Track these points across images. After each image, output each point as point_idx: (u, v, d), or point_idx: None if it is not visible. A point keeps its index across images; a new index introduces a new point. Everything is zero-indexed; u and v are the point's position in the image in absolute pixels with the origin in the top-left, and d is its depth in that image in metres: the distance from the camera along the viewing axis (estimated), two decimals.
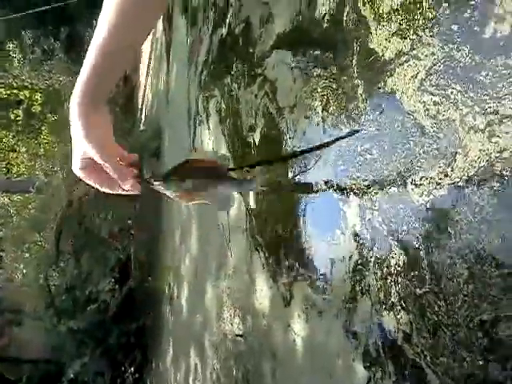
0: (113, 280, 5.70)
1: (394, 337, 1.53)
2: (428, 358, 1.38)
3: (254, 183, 0.89)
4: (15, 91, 12.42)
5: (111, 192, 0.90)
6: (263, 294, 2.71)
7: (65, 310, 6.16)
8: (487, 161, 1.31)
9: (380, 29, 1.82)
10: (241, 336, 3.01)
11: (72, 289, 6.14)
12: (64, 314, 6.10)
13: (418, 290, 1.44)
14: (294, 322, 2.32)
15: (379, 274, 1.63)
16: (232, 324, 3.19)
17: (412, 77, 1.61)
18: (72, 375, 5.71)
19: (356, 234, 1.79)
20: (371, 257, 1.68)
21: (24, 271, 7.10)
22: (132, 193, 0.87)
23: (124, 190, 0.87)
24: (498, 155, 1.28)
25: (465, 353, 1.27)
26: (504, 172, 1.27)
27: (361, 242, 1.75)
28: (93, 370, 5.87)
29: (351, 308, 1.80)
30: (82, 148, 0.84)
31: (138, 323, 5.82)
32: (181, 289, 4.96)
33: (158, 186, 0.81)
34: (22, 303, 7.38)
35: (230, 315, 3.23)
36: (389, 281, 1.57)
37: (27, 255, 7.49)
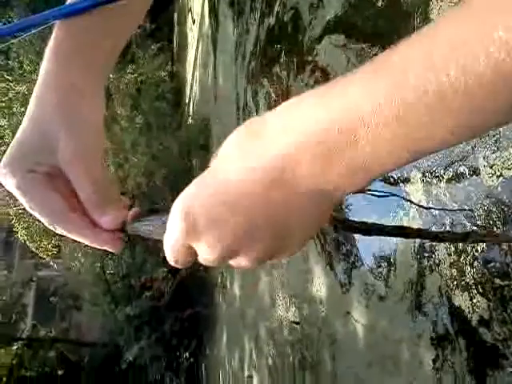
0: (166, 269, 5.86)
1: (468, 317, 1.50)
2: (510, 345, 1.34)
3: None
4: None
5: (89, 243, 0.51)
6: (320, 281, 2.71)
7: (121, 297, 6.41)
8: None
9: (441, 2, 1.76)
10: (297, 323, 3.03)
11: (127, 277, 6.37)
12: (120, 301, 6.35)
13: (498, 280, 1.40)
14: (353, 309, 2.31)
15: (452, 249, 1.59)
16: (288, 311, 3.21)
17: None
18: (131, 358, 5.95)
19: (421, 210, 1.76)
20: (442, 230, 1.64)
21: (82, 260, 7.40)
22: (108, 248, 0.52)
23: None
24: None
25: None
26: None
27: (428, 217, 1.71)
28: (149, 354, 6.09)
29: (418, 286, 1.77)
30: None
31: (192, 310, 5.97)
32: (233, 277, 5.03)
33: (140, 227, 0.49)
34: (80, 290, 7.73)
35: (286, 302, 3.25)
36: (462, 258, 1.54)
37: (84, 245, 7.77)
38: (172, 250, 0.43)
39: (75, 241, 0.50)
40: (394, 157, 0.33)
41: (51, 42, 0.52)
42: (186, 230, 0.40)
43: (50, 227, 0.49)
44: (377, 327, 2.12)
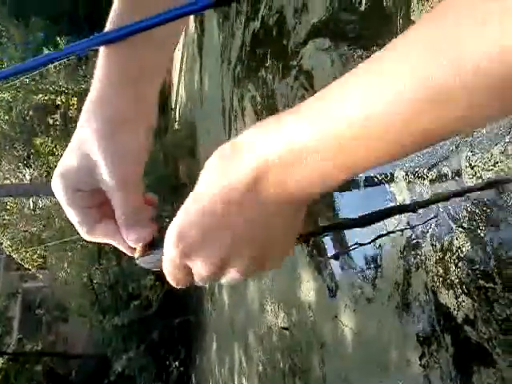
0: (153, 277, 5.79)
1: (453, 315, 1.49)
2: (499, 350, 1.32)
3: None
4: (52, 96, 12.77)
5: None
6: (308, 285, 2.69)
7: (108, 307, 6.31)
8: None
9: (422, 6, 1.76)
10: (286, 329, 2.99)
11: (115, 286, 6.28)
12: (108, 311, 6.26)
13: (482, 281, 1.38)
14: (341, 313, 2.29)
15: (438, 247, 1.57)
16: (277, 317, 3.18)
17: None
18: (119, 369, 5.86)
19: (406, 210, 1.74)
20: (428, 229, 1.63)
21: (68, 270, 7.30)
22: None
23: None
24: None
25: None
26: None
27: (413, 216, 1.70)
28: (138, 364, 6.00)
29: (404, 285, 1.76)
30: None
31: (181, 319, 5.90)
32: (221, 284, 4.99)
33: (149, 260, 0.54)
34: (67, 301, 7.61)
35: (274, 308, 3.22)
36: (448, 256, 1.52)
37: (70, 255, 7.70)
38: (172, 272, 0.48)
39: (102, 244, 0.58)
40: (343, 171, 0.38)
41: (99, 60, 0.55)
42: (181, 252, 0.45)
43: (85, 236, 0.56)
44: (365, 330, 2.10)
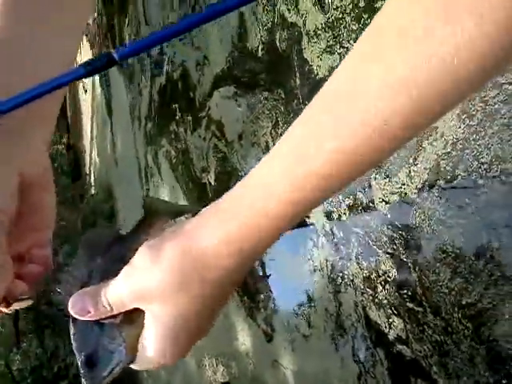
0: None
1: (385, 332, 1.51)
2: (436, 369, 1.34)
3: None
4: None
5: None
6: (243, 333, 2.62)
7: None
8: (435, 160, 1.34)
9: (312, 46, 1.88)
10: (227, 383, 2.87)
11: (38, 369, 5.72)
12: None
13: (412, 305, 1.42)
14: (280, 356, 2.24)
15: (364, 264, 1.60)
16: (216, 372, 3.05)
17: None
18: None
19: (327, 234, 1.76)
20: (352, 249, 1.66)
21: None
22: None
23: None
24: (443, 151, 1.31)
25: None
26: (447, 168, 1.31)
27: (335, 240, 1.72)
28: None
29: (336, 306, 1.75)
30: None
31: None
32: None
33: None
34: None
35: (212, 363, 3.09)
36: (374, 276, 1.55)
37: None
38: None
39: None
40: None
41: None
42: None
43: None
44: (305, 368, 2.07)
